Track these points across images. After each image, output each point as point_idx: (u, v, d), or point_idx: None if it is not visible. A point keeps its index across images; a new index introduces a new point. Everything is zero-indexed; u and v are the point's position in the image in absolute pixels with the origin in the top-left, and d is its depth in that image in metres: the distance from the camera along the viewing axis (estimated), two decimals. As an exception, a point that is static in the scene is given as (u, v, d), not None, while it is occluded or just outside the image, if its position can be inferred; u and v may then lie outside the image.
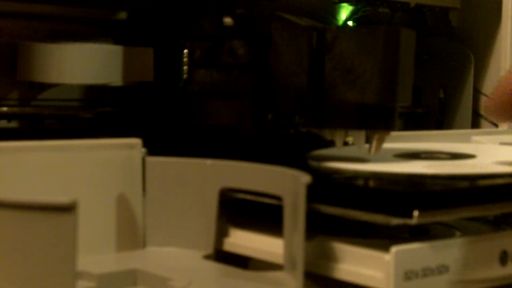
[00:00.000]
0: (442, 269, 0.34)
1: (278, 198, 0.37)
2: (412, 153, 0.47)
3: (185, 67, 0.50)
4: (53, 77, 0.53)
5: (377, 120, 0.42)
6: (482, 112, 0.47)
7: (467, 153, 0.47)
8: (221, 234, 0.41)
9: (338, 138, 0.44)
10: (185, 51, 0.50)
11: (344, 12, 0.70)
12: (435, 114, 0.74)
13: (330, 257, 0.36)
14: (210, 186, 0.41)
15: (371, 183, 0.40)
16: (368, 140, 0.43)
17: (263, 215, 0.41)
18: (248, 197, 0.40)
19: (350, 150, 0.45)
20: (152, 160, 0.42)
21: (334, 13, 0.69)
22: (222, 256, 0.41)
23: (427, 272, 0.34)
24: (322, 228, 0.37)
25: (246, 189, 0.39)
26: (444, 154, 0.47)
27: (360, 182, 0.40)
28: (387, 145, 0.43)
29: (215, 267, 0.40)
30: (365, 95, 0.41)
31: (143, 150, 0.42)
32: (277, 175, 0.38)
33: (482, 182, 0.39)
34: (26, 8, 0.54)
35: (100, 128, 0.57)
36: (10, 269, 0.30)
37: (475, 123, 0.71)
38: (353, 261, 0.35)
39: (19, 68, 0.54)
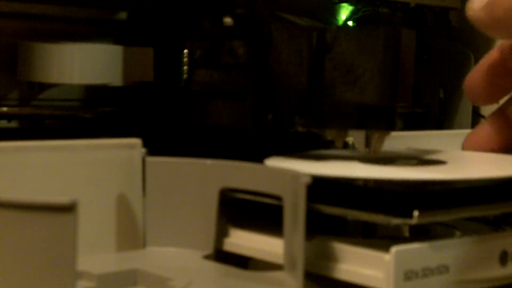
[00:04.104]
0: (442, 269, 0.34)
1: (278, 198, 0.37)
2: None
3: (185, 67, 0.50)
4: (53, 77, 0.53)
5: (377, 120, 0.42)
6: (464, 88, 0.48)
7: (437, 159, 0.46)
8: (221, 234, 0.41)
9: (338, 138, 0.44)
10: (185, 51, 0.50)
11: (344, 12, 0.70)
12: (435, 114, 0.74)
13: (330, 257, 0.36)
14: (210, 186, 0.41)
15: (371, 183, 0.40)
16: (368, 140, 0.43)
17: (263, 215, 0.41)
18: (248, 197, 0.40)
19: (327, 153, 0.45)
20: (152, 160, 0.42)
21: (334, 13, 0.69)
22: (222, 256, 0.41)
23: (427, 272, 0.34)
24: (322, 228, 0.37)
25: (246, 189, 0.39)
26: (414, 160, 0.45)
27: (360, 182, 0.40)
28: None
29: (215, 267, 0.40)
30: (365, 95, 0.41)
31: (143, 150, 0.42)
32: (277, 175, 0.38)
33: (482, 182, 0.39)
34: (26, 8, 0.54)
35: (100, 128, 0.57)
36: (10, 269, 0.30)
37: (475, 123, 0.71)
38: (353, 261, 0.35)
39: (19, 68, 0.54)
